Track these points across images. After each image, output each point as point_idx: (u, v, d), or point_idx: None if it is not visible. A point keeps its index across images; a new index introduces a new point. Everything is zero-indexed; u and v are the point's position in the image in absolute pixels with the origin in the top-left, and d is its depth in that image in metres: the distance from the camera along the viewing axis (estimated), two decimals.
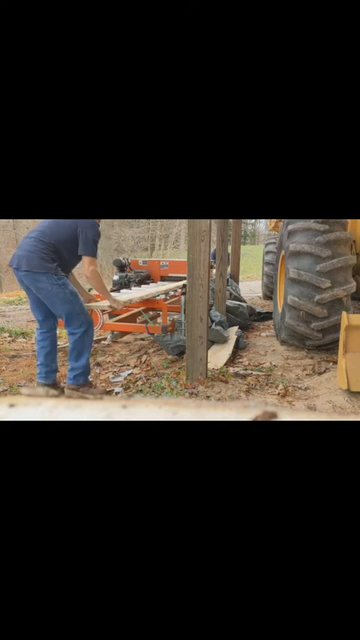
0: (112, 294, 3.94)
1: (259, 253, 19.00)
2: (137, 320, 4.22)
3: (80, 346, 2.70)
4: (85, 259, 2.60)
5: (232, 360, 3.72)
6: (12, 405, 0.43)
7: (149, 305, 4.01)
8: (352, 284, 3.46)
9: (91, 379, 3.21)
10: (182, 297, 4.06)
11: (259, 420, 0.41)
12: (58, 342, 3.93)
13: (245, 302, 5.93)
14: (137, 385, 3.17)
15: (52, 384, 2.90)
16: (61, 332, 4.67)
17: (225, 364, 3.37)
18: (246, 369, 3.41)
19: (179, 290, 4.37)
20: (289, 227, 3.70)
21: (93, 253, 2.59)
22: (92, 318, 3.15)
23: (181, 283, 4.49)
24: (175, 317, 4.43)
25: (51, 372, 2.90)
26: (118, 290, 4.29)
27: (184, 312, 3.39)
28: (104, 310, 3.46)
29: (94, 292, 3.33)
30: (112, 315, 4.23)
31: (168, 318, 3.91)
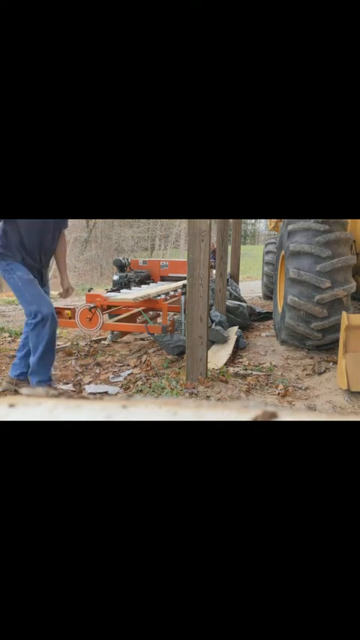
0: (111, 294, 3.95)
1: (259, 253, 18.98)
2: (137, 320, 4.21)
3: (34, 340, 2.36)
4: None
5: (232, 360, 3.72)
6: (12, 405, 0.43)
7: (149, 305, 4.00)
8: (352, 284, 3.46)
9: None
10: (182, 297, 4.06)
11: (259, 420, 0.41)
12: (58, 342, 3.93)
13: (245, 302, 5.92)
14: (137, 385, 3.17)
15: (14, 380, 2.65)
16: (61, 332, 4.67)
17: (225, 364, 3.37)
18: (246, 369, 3.41)
19: (179, 290, 4.37)
20: (289, 227, 3.70)
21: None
22: (93, 317, 3.19)
23: (181, 283, 4.48)
24: (175, 317, 4.43)
25: (15, 366, 2.65)
26: (118, 290, 4.29)
27: (184, 312, 3.39)
28: (104, 310, 3.46)
29: (93, 292, 3.37)
30: (112, 315, 4.22)
31: (168, 318, 3.91)
